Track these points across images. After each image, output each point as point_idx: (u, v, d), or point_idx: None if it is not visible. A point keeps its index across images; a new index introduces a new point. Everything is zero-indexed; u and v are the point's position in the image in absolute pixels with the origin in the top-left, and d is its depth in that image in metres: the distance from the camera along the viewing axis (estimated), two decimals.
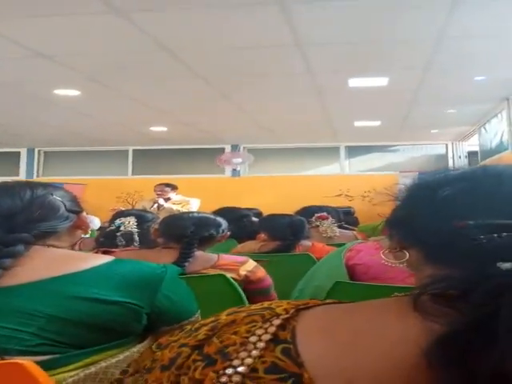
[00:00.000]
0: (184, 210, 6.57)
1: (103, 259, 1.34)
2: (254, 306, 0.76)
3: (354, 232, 4.76)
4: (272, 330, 0.68)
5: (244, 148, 11.09)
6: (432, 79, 5.77)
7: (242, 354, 0.66)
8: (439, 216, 0.71)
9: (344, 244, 2.65)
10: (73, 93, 6.35)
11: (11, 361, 1.02)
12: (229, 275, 2.32)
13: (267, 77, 5.70)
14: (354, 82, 5.93)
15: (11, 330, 1.15)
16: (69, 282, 1.23)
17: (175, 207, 6.82)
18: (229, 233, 2.69)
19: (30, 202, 1.36)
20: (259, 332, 0.68)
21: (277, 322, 0.69)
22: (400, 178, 10.08)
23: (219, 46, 4.66)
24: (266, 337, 0.67)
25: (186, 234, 2.43)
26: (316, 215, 4.31)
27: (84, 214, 1.52)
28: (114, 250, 2.61)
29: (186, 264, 2.33)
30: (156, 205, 6.86)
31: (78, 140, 10.23)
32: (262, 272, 2.48)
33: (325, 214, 4.33)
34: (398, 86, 6.05)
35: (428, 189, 0.76)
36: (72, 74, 5.49)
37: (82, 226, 1.52)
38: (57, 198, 1.42)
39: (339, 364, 0.62)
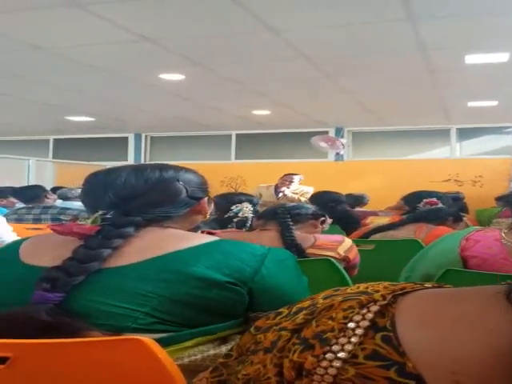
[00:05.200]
0: (303, 198, 6.91)
1: (207, 239, 1.36)
2: (349, 290, 0.77)
3: (465, 219, 4.55)
4: (370, 316, 0.68)
5: (348, 131, 10.81)
6: None
7: (342, 340, 0.67)
8: None
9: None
10: (177, 77, 6.37)
11: (131, 337, 1.07)
12: (328, 254, 2.38)
13: (375, 55, 5.42)
14: (472, 59, 5.52)
15: (127, 310, 1.20)
16: (172, 260, 1.26)
17: (296, 196, 7.02)
18: (323, 218, 2.78)
19: (151, 187, 1.41)
20: (357, 318, 0.68)
21: (374, 308, 0.69)
22: None
23: (324, 23, 4.46)
24: (365, 323, 0.67)
25: (278, 210, 2.58)
26: (424, 200, 4.12)
27: (205, 199, 1.54)
28: (215, 231, 2.66)
29: (293, 237, 2.44)
30: (281, 194, 7.07)
31: (182, 125, 10.36)
32: (355, 250, 2.53)
33: (434, 199, 4.12)
34: None
35: None
36: (176, 58, 5.49)
37: (201, 211, 1.54)
38: (180, 183, 1.46)
39: (442, 354, 0.61)
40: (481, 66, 5.76)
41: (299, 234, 2.51)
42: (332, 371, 0.66)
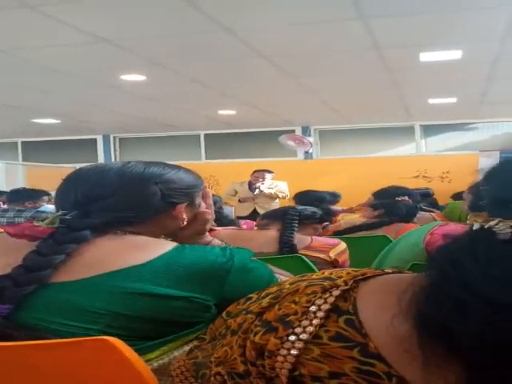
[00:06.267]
0: (279, 193, 7.39)
1: (165, 248, 1.23)
2: (315, 275, 0.80)
3: (433, 214, 4.66)
4: (331, 300, 0.71)
5: (315, 130, 10.90)
6: (510, 50, 5.36)
7: (304, 323, 0.70)
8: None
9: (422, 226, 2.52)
10: (138, 78, 6.36)
11: (98, 337, 1.02)
12: (319, 255, 2.46)
13: (332, 54, 5.49)
14: (426, 57, 5.62)
15: (79, 328, 1.13)
16: (127, 277, 1.16)
17: (273, 191, 7.40)
18: (326, 223, 2.90)
19: (121, 187, 1.31)
20: (319, 302, 0.72)
21: (336, 292, 0.72)
22: (480, 158, 9.64)
23: (280, 22, 4.51)
24: (325, 306, 0.71)
25: (288, 211, 2.66)
26: (397, 199, 4.19)
27: (183, 205, 1.39)
28: (216, 228, 2.68)
29: (292, 238, 2.49)
30: (257, 190, 7.38)
31: (150, 126, 10.36)
32: (346, 255, 2.59)
33: (406, 197, 4.25)
34: (473, 58, 5.68)
35: None
36: (136, 58, 5.49)
37: (177, 217, 1.39)
38: (158, 185, 1.34)
39: (395, 334, 0.65)
40: (436, 64, 5.86)
41: (298, 235, 2.57)
42: (294, 352, 0.69)
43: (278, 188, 7.51)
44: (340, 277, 0.76)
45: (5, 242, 1.25)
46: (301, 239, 2.55)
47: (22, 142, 12.30)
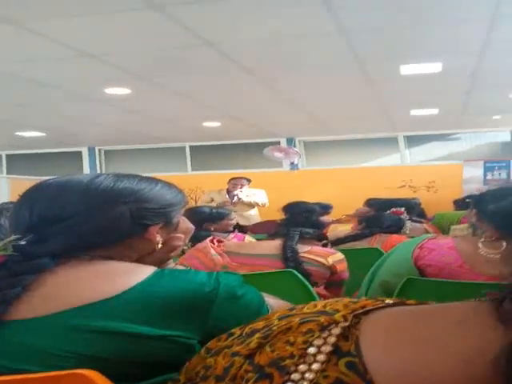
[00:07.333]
0: (258, 201, 7.42)
1: (140, 276, 1.07)
2: (306, 309, 0.71)
3: (424, 225, 4.62)
4: (332, 340, 0.63)
5: (299, 141, 10.95)
6: (489, 62, 5.44)
7: (302, 368, 0.62)
8: None
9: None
10: (123, 91, 6.38)
11: (74, 371, 0.93)
12: (319, 259, 2.61)
13: (313, 67, 5.54)
14: (406, 69, 5.68)
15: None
16: (95, 314, 1.00)
17: (252, 199, 7.44)
18: (325, 241, 3.14)
19: (85, 206, 1.13)
20: (318, 342, 0.63)
21: (336, 331, 0.64)
22: (465, 168, 9.72)
23: (262, 36, 4.54)
24: (327, 348, 0.62)
25: (291, 229, 2.82)
26: (392, 210, 4.28)
27: (155, 227, 1.21)
28: (223, 240, 2.86)
29: (294, 244, 2.68)
30: (236, 198, 7.39)
31: (135, 138, 10.36)
32: (344, 265, 2.71)
33: (402, 209, 4.30)
34: (453, 71, 5.75)
35: None
36: (120, 72, 5.52)
37: (150, 240, 1.22)
38: (128, 206, 1.16)
39: (410, 380, 0.57)
40: (417, 76, 5.92)
41: (299, 244, 2.74)
42: None
43: (257, 196, 7.52)
44: (336, 310, 0.68)
45: None
46: (301, 247, 2.72)
47: (7, 155, 12.24)
